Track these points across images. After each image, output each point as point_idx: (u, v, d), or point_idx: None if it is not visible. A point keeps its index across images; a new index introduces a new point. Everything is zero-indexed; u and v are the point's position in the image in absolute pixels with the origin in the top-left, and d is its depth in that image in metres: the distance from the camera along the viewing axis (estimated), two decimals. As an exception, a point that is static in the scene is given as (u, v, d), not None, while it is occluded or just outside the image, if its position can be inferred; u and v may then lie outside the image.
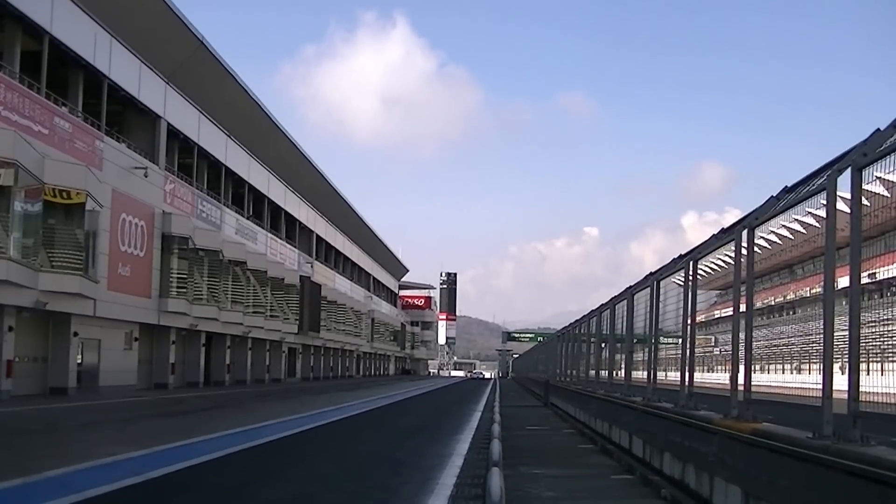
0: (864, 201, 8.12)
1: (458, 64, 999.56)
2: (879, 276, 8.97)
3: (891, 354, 8.97)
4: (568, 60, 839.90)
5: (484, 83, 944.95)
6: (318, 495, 14.49)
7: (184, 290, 55.20)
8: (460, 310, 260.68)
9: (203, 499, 13.87)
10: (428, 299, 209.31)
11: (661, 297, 17.16)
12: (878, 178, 8.16)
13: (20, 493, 12.98)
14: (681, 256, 15.74)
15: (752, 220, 11.31)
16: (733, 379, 11.61)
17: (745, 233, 11.49)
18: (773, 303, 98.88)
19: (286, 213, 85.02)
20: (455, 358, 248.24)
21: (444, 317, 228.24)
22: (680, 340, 15.05)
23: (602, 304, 26.58)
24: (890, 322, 8.20)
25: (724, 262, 14.97)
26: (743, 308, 11.52)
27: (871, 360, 8.80)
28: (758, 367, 11.69)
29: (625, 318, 21.93)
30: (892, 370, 7.56)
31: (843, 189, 8.43)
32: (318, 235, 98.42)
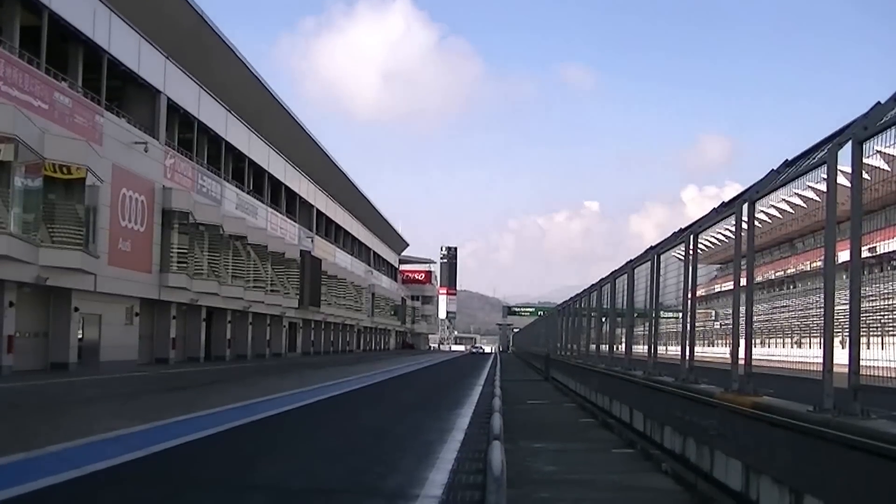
0: (865, 175, 8.11)
1: (458, 36, 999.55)
2: (880, 251, 8.99)
3: (891, 328, 8.97)
4: (569, 32, 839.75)
5: (485, 56, 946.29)
6: (319, 469, 14.54)
7: (184, 265, 55.23)
8: (460, 284, 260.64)
9: (205, 472, 13.90)
10: (428, 274, 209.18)
11: (662, 271, 17.16)
12: (879, 151, 8.15)
13: (22, 468, 13.01)
14: (681, 230, 15.73)
15: (753, 194, 11.29)
16: (734, 353, 11.61)
17: (745, 206, 11.47)
18: (773, 277, 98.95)
19: (286, 187, 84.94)
20: (455, 332, 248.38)
21: (445, 291, 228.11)
22: (680, 314, 15.05)
23: (602, 279, 26.58)
24: (890, 296, 8.20)
25: (724, 236, 14.97)
26: (743, 282, 11.52)
27: (871, 333, 8.80)
28: (758, 340, 11.69)
29: (625, 293, 21.95)
30: (893, 344, 7.55)
31: (844, 163, 8.41)
32: (318, 210, 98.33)
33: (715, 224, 13.58)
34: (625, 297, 22.07)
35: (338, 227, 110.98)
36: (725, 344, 13.52)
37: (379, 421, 23.40)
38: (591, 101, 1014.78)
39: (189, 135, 61.19)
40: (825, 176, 8.75)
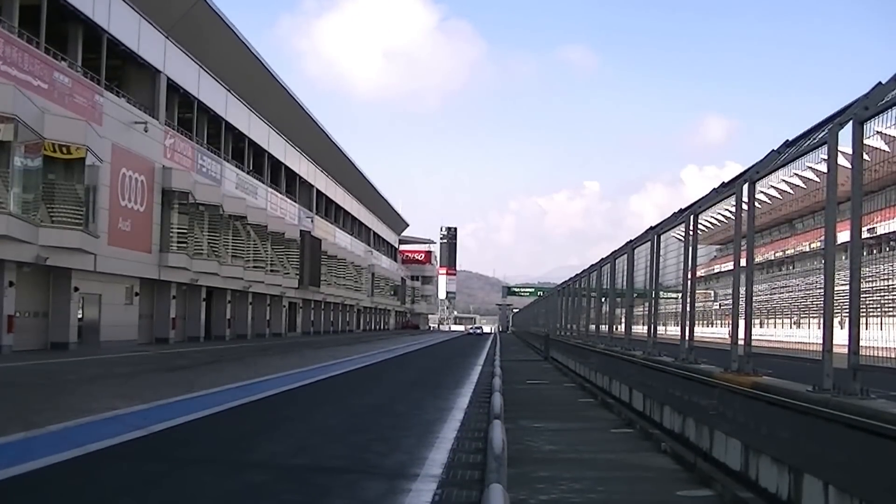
0: (865, 156, 8.11)
1: (460, 17, 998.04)
2: (879, 231, 9.00)
3: (890, 308, 8.99)
4: (571, 12, 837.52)
5: (486, 36, 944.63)
6: (319, 447, 14.58)
7: (184, 245, 55.29)
8: (460, 264, 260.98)
9: (205, 451, 13.94)
10: (428, 254, 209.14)
11: (662, 252, 17.16)
12: (879, 132, 8.15)
13: (23, 447, 13.04)
14: (681, 210, 15.72)
15: (753, 174, 11.28)
16: (733, 333, 11.63)
17: (745, 186, 11.47)
18: (772, 257, 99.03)
19: (286, 167, 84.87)
20: (455, 312, 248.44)
21: (445, 271, 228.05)
22: (680, 295, 15.07)
23: (602, 259, 26.58)
24: (889, 276, 8.21)
25: (724, 216, 14.97)
26: (743, 262, 11.53)
27: (870, 314, 8.81)
28: (757, 321, 11.70)
29: (625, 273, 21.96)
30: (892, 324, 7.57)
31: (844, 143, 8.41)
32: (318, 190, 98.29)
33: (715, 204, 13.58)
34: (624, 278, 22.08)
35: (338, 207, 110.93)
36: (725, 324, 13.55)
37: (379, 400, 23.45)
38: (591, 81, 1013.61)
39: (189, 114, 61.16)
40: (825, 156, 8.75)
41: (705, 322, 17.52)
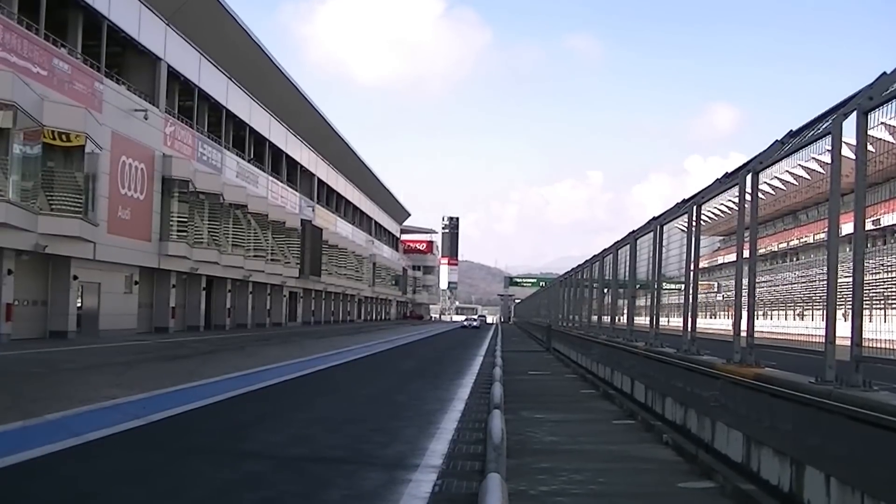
0: (869, 147, 8.03)
1: (466, 5, 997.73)
2: (883, 223, 8.93)
3: (894, 300, 8.92)
4: (577, 2, 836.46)
5: (492, 25, 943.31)
6: (319, 437, 14.54)
7: (184, 234, 55.19)
8: (462, 254, 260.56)
9: (204, 440, 13.90)
10: (430, 244, 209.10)
11: (664, 242, 17.09)
12: (883, 123, 8.06)
13: (21, 436, 12.99)
14: (684, 201, 15.64)
15: (757, 165, 11.20)
16: (736, 324, 11.56)
17: (749, 177, 11.39)
18: (776, 249, 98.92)
19: (287, 156, 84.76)
20: (457, 303, 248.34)
21: (446, 261, 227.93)
22: (683, 286, 15.00)
23: (605, 249, 26.51)
24: (893, 268, 8.14)
25: (727, 207, 14.89)
26: (746, 253, 11.46)
27: (873, 306, 8.74)
28: (759, 312, 11.63)
29: (627, 263, 21.88)
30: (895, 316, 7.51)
31: (848, 134, 8.32)
32: (319, 179, 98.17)
33: (718, 195, 13.49)
34: (627, 268, 22.00)
35: (339, 196, 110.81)
36: (727, 315, 13.49)
37: (380, 390, 23.43)
38: (596, 70, 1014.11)
39: (189, 102, 61.03)
40: (829, 147, 8.67)
41: (708, 313, 17.45)
